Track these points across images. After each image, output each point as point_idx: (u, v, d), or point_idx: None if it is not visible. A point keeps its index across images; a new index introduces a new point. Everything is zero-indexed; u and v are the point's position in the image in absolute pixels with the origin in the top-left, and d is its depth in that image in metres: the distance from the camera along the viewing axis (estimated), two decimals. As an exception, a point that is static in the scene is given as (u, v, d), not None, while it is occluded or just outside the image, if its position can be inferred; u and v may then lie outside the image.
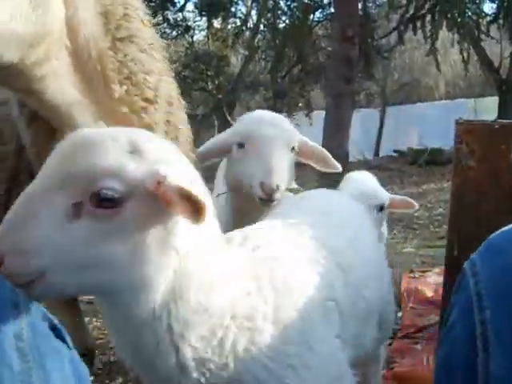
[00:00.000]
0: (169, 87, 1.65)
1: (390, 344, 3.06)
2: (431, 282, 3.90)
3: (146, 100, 1.50)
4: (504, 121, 1.87)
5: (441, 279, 3.89)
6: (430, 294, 3.65)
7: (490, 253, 1.28)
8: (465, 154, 1.70)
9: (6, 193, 1.82)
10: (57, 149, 1.05)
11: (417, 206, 2.53)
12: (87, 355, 2.15)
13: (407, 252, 5.42)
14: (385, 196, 2.46)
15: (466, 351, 1.32)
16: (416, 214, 8.53)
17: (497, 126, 1.69)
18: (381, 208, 2.39)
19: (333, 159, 2.29)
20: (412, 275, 4.27)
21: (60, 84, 1.33)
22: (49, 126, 1.44)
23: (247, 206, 2.14)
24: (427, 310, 3.41)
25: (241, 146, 2.10)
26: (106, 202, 0.98)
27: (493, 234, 1.25)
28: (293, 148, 2.15)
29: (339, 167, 2.30)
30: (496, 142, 1.69)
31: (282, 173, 1.99)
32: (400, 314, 3.51)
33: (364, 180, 2.58)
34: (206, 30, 18.73)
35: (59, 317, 2.29)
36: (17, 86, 1.32)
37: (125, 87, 1.44)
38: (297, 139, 2.19)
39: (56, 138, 1.36)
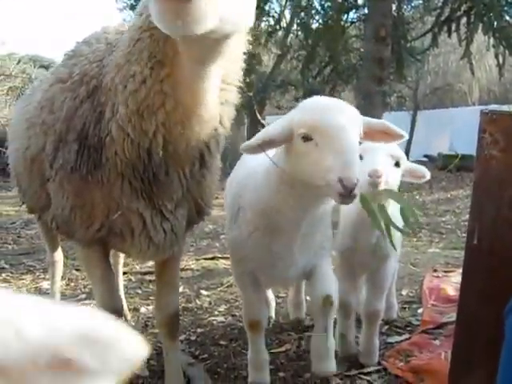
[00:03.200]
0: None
1: (408, 338, 3.07)
2: (454, 282, 3.88)
3: (230, 83, 2.01)
4: (529, 112, 1.87)
5: (464, 279, 3.88)
6: (452, 292, 3.64)
7: None
8: (488, 144, 1.71)
9: (53, 151, 2.13)
10: None
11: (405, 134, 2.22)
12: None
13: (432, 252, 5.39)
14: None
15: None
16: (443, 219, 8.47)
17: (521, 117, 1.70)
18: None
19: (395, 128, 2.15)
20: (435, 274, 4.26)
21: (224, 55, 1.78)
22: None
23: (311, 200, 2.12)
24: (448, 308, 3.39)
25: (307, 138, 1.91)
26: None
27: None
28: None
29: (405, 134, 2.18)
30: (520, 132, 1.70)
31: (358, 165, 1.86)
32: (421, 311, 3.52)
33: None
34: (239, 28, 18.84)
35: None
36: (211, 51, 1.73)
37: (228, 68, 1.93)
38: (362, 123, 2.03)
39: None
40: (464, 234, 6.99)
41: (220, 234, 7.16)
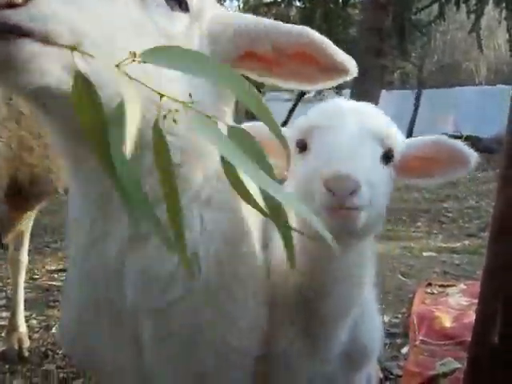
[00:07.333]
0: None
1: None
2: (452, 306, 2.97)
3: None
4: None
5: (466, 301, 3.02)
6: (448, 323, 2.73)
7: None
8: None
9: None
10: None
11: None
12: None
13: (427, 257, 4.47)
14: None
15: None
16: (445, 205, 7.76)
17: None
18: None
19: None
20: (429, 290, 3.37)
21: None
22: None
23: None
24: (443, 346, 2.53)
25: (302, 147, 1.36)
26: None
27: None
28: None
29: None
30: None
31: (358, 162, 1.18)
32: (406, 350, 2.64)
33: None
34: (239, -1, 18.08)
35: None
36: None
37: None
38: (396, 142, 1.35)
39: None
40: (467, 224, 6.26)
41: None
